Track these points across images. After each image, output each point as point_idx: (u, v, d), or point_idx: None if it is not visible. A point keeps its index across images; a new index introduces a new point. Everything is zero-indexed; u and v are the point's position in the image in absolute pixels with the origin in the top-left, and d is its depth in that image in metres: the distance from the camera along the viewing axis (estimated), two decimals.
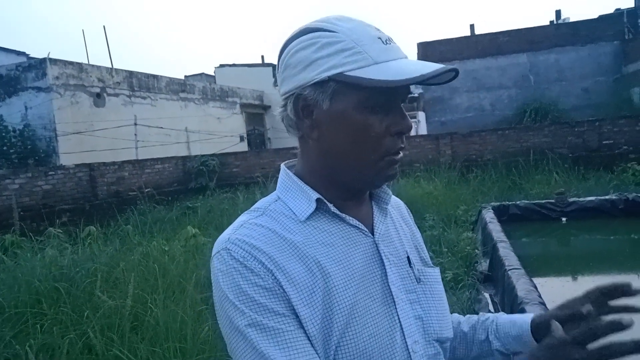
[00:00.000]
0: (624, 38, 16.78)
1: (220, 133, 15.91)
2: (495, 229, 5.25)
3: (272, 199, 0.76)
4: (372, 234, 0.74)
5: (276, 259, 0.65)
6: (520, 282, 3.25)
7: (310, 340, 0.63)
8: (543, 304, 2.92)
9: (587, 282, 4.76)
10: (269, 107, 21.52)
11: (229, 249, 0.67)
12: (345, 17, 0.71)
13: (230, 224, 0.74)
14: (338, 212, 0.71)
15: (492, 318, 0.89)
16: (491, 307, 3.89)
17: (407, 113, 0.70)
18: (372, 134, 0.67)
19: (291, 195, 0.74)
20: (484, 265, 4.72)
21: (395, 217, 0.83)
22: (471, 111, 18.32)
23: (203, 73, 25.05)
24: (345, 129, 0.68)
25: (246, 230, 0.69)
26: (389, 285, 0.71)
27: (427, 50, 18.50)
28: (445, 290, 3.27)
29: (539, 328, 0.80)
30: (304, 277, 0.65)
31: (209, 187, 11.01)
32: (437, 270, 0.82)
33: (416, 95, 20.06)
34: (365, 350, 0.65)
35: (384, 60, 0.65)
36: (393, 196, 0.83)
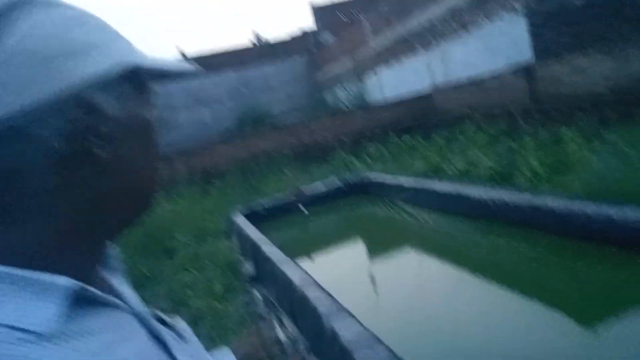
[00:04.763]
0: (311, 52, 20.01)
1: None
2: (250, 230, 5.37)
3: None
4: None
5: None
6: (291, 271, 3.38)
7: None
8: (317, 284, 3.09)
9: (335, 255, 5.39)
10: None
11: None
12: None
13: None
14: (100, 294, 0.45)
15: None
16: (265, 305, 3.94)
17: None
18: None
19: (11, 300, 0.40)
20: (249, 267, 4.76)
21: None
22: (194, 127, 18.56)
23: None
24: None
25: None
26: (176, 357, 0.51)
27: None
28: (219, 301, 3.07)
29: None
30: None
31: None
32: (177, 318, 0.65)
33: None
34: None
35: None
36: None
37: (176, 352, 0.51)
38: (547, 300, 3.14)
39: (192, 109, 18.58)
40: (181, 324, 0.61)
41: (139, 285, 5.18)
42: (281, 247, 4.33)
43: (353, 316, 2.51)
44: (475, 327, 2.97)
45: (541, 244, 3.94)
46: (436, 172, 6.51)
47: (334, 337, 2.35)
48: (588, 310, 2.94)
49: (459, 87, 10.01)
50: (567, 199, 3.93)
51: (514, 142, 6.65)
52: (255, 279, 4.50)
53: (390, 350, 2.10)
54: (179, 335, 0.57)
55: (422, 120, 11.04)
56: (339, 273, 4.70)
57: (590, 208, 3.56)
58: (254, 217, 6.60)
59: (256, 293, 4.15)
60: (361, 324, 2.41)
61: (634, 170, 3.96)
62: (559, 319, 2.91)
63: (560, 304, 3.06)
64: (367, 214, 6.90)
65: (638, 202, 3.50)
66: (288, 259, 3.76)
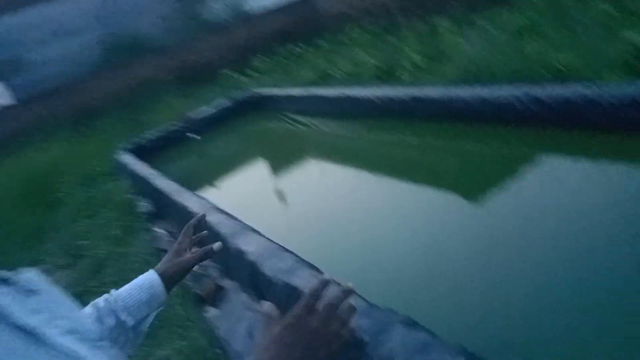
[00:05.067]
0: None
1: None
2: (140, 167, 5.05)
3: None
4: None
5: None
6: (191, 202, 3.25)
7: None
8: (217, 207, 3.02)
9: (236, 178, 5.30)
10: None
11: None
12: None
13: None
14: None
15: (112, 297, 0.83)
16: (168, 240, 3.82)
17: None
18: None
19: None
20: (146, 205, 4.52)
21: None
22: (59, 63, 16.45)
23: None
24: None
25: None
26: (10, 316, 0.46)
27: None
28: (119, 245, 2.86)
29: (166, 277, 0.87)
30: None
31: None
32: None
33: None
34: None
35: None
36: None
37: (13, 310, 0.46)
38: (438, 183, 3.37)
39: (52, 44, 16.29)
40: (29, 276, 0.55)
41: (26, 245, 4.74)
42: (179, 179, 4.13)
43: (257, 232, 2.50)
44: (380, 222, 3.13)
45: (427, 132, 4.16)
46: (324, 79, 6.47)
47: (240, 255, 2.34)
48: (474, 186, 3.21)
49: None
50: (444, 86, 4.12)
51: (395, 38, 6.73)
52: (155, 215, 4.31)
53: (297, 257, 2.13)
54: (24, 289, 0.51)
55: (304, 26, 10.73)
56: (244, 194, 4.65)
57: (466, 92, 3.77)
58: (142, 153, 6.20)
59: (158, 229, 3.99)
60: (266, 238, 2.41)
61: (501, 51, 4.22)
62: (450, 198, 3.15)
63: (449, 184, 3.31)
64: (262, 130, 6.79)
65: (506, 80, 3.77)
66: (183, 189, 3.61)
